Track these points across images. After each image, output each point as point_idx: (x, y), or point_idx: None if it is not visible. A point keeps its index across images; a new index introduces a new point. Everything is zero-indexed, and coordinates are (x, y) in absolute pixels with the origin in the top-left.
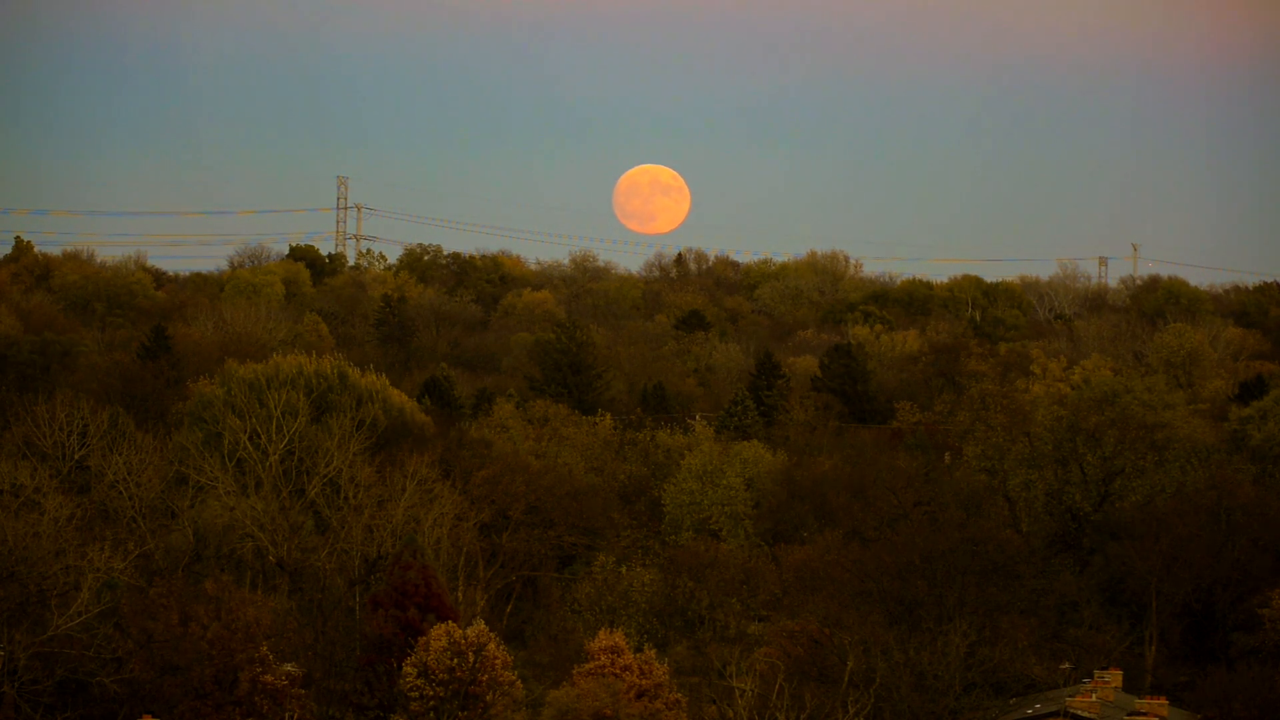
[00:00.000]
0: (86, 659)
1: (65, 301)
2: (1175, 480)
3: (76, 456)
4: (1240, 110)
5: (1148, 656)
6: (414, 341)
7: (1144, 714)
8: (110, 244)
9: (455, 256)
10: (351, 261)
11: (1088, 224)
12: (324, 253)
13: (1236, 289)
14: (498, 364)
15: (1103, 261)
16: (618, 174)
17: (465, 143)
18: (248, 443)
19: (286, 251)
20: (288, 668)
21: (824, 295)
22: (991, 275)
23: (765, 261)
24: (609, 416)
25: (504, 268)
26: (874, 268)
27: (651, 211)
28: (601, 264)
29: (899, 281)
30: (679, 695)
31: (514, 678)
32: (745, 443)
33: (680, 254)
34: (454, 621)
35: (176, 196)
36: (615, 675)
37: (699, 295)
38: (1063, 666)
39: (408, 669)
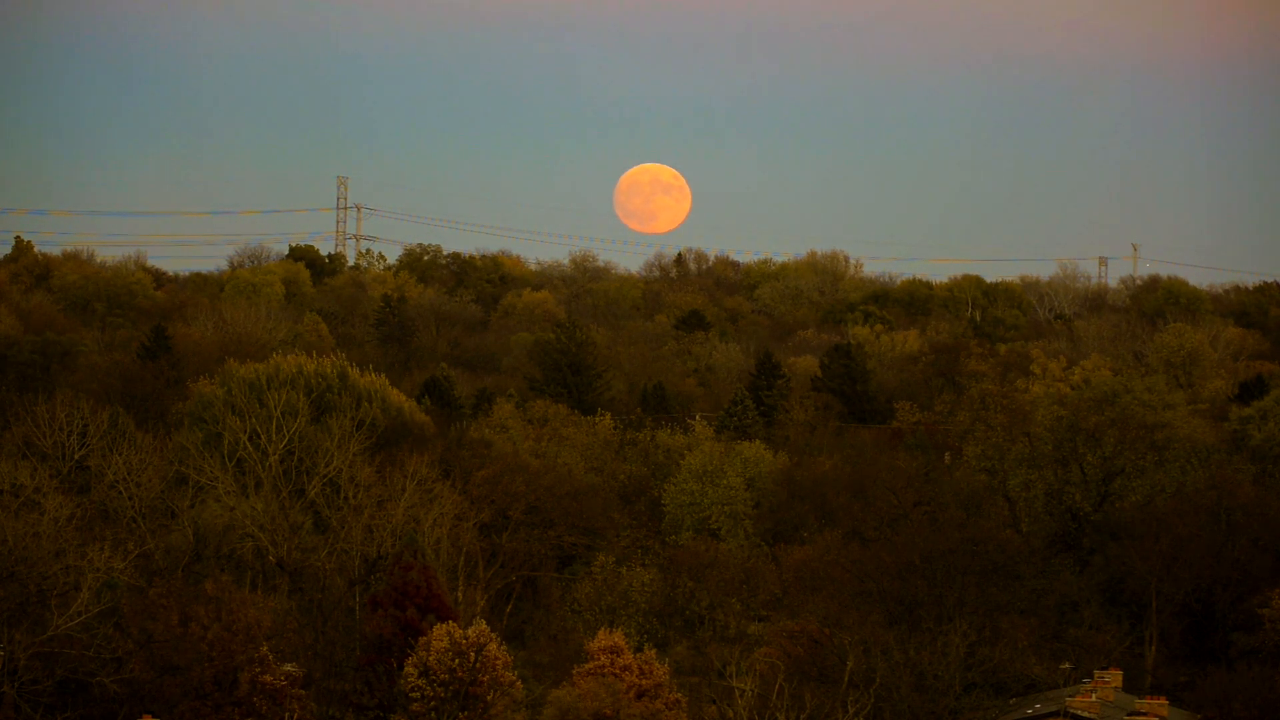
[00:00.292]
0: (86, 659)
1: (65, 301)
2: (1175, 480)
3: (76, 456)
4: (1240, 110)
5: (1148, 656)
6: (414, 341)
7: (1144, 714)
8: (110, 244)
9: (455, 256)
10: (351, 261)
11: (1088, 224)
12: (324, 253)
13: (1236, 289)
14: (498, 364)
15: (1103, 261)
16: (618, 173)
17: (465, 143)
18: (247, 443)
19: (286, 251)
20: (288, 668)
21: (824, 295)
22: (991, 275)
23: (765, 261)
24: (609, 416)
25: (504, 268)
26: (874, 268)
27: (652, 211)
28: (601, 264)
29: (899, 281)
30: (679, 695)
31: (514, 678)
32: (746, 443)
33: (680, 254)
34: (454, 621)
35: (176, 196)
36: (615, 675)
37: (699, 295)
38: (1063, 666)
39: (409, 669)
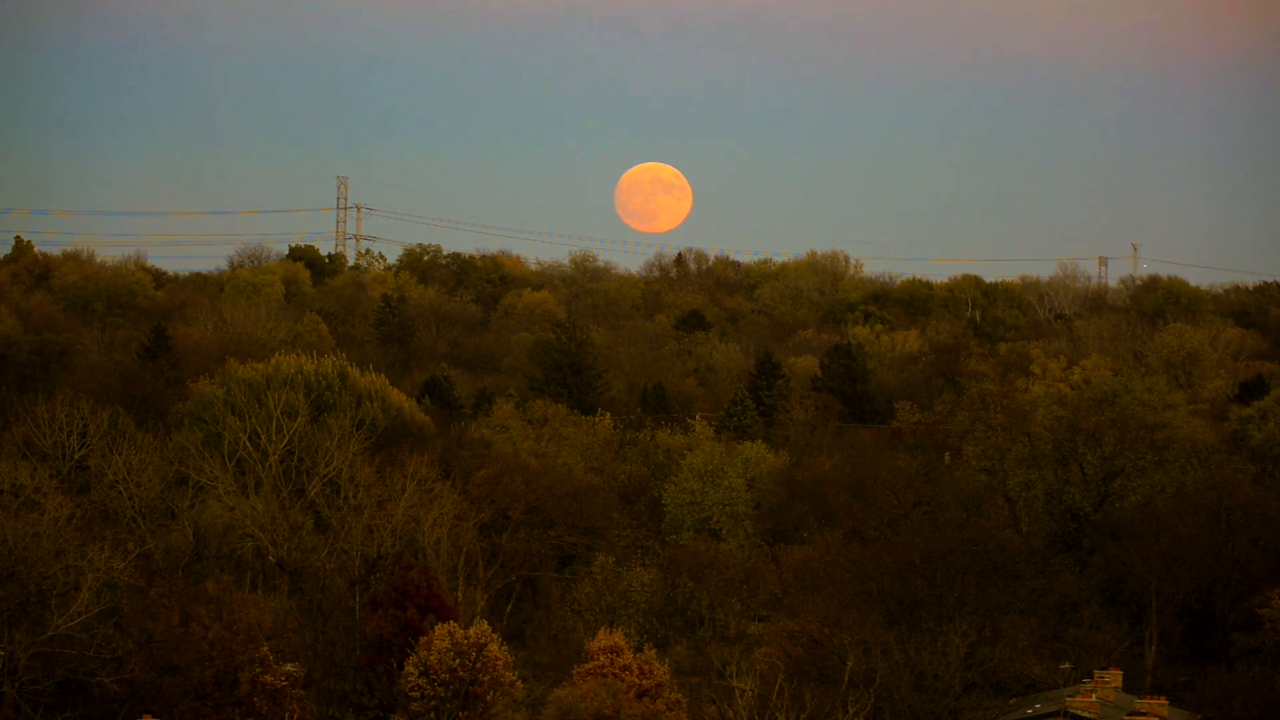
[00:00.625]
0: (86, 659)
1: (65, 301)
2: (1175, 480)
3: (76, 456)
4: (1240, 110)
5: (1148, 656)
6: (414, 341)
7: (1144, 714)
8: (110, 244)
9: (455, 256)
10: (351, 261)
11: (1088, 224)
12: (324, 253)
13: (1236, 289)
14: (498, 364)
15: (1103, 261)
16: (619, 173)
17: (465, 142)
18: (247, 443)
19: (286, 251)
20: (288, 668)
21: (824, 295)
22: (991, 275)
23: (765, 261)
24: (609, 416)
25: (504, 268)
26: (874, 268)
27: (653, 210)
28: (601, 264)
29: (899, 281)
30: (679, 695)
31: (515, 678)
32: (747, 443)
33: (680, 254)
34: (454, 622)
35: (176, 196)
36: (615, 675)
37: (699, 295)
38: (1063, 666)
39: (409, 668)
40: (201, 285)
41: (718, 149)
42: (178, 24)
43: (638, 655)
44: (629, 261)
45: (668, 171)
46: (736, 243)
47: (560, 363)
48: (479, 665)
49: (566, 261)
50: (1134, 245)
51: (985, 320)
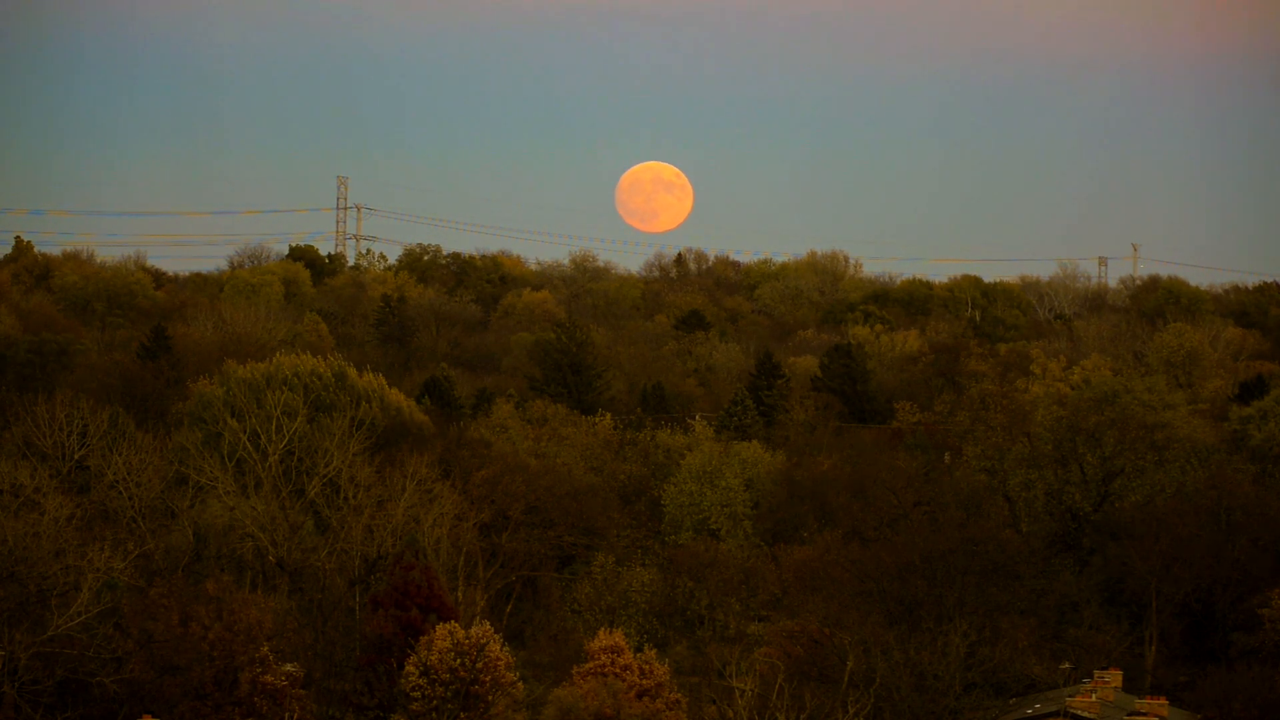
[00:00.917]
0: (86, 659)
1: (65, 301)
2: (1175, 480)
3: (76, 456)
4: (1240, 110)
5: (1148, 656)
6: (414, 341)
7: (1144, 714)
8: (110, 244)
9: (455, 256)
10: (351, 261)
11: (1088, 224)
12: (324, 253)
13: (1236, 289)
14: (498, 364)
15: (1103, 261)
16: (620, 172)
17: (465, 142)
18: (247, 443)
19: (286, 251)
20: (288, 668)
21: (824, 295)
22: (991, 275)
23: (765, 261)
24: (609, 416)
25: (504, 268)
26: (874, 268)
27: (654, 209)
28: (601, 264)
29: (899, 281)
30: (679, 695)
31: (515, 678)
32: (744, 443)
33: (680, 254)
34: (455, 621)
35: (176, 196)
36: (615, 675)
37: (699, 295)
38: (1063, 666)
39: (410, 668)
40: (201, 285)
41: (719, 148)
42: (177, 24)
43: (638, 655)
44: (629, 261)
45: (668, 170)
46: (737, 242)
47: (560, 363)
48: (480, 665)
49: (566, 261)
50: (1134, 245)
51: (985, 320)
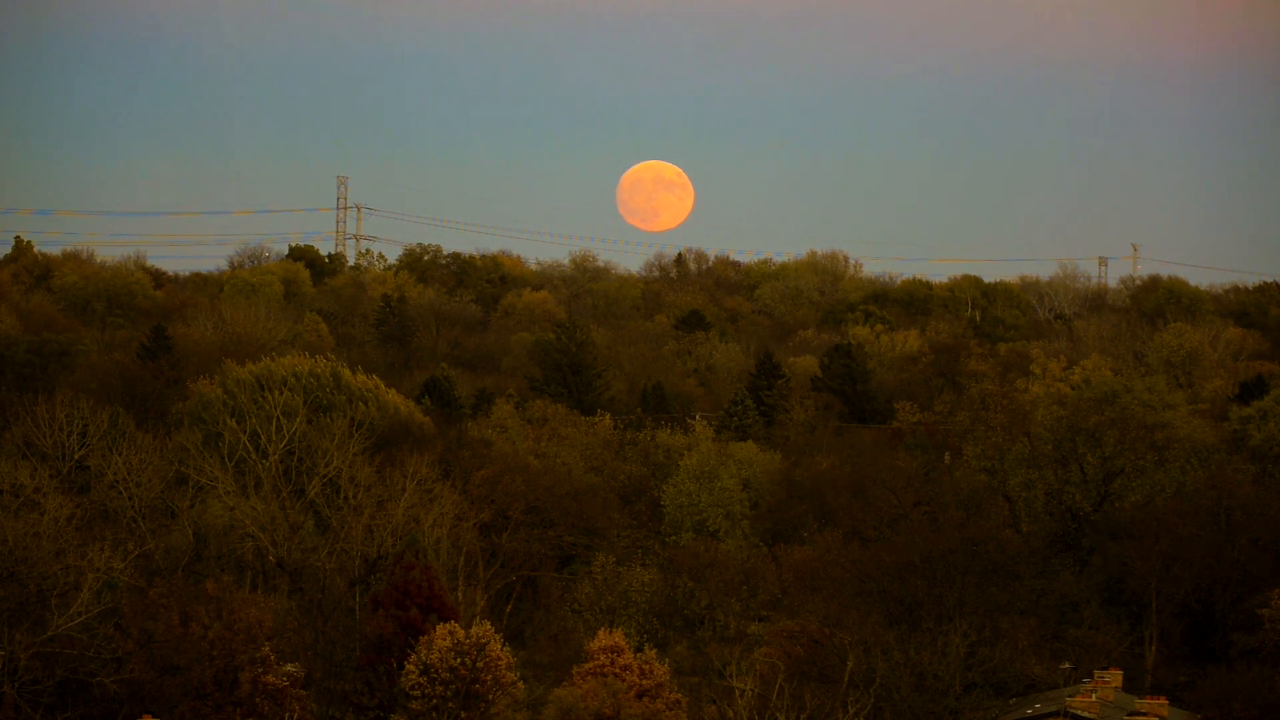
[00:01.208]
0: (86, 659)
1: (65, 301)
2: (1175, 480)
3: (76, 456)
4: (1241, 110)
5: (1148, 656)
6: (414, 341)
7: (1144, 714)
8: (110, 244)
9: (455, 256)
10: (351, 261)
11: (1088, 224)
12: (324, 253)
13: (1236, 289)
14: (498, 364)
15: (1103, 261)
16: (621, 171)
17: (465, 142)
18: (247, 443)
19: (286, 251)
20: (288, 668)
21: (824, 295)
22: (991, 275)
23: (765, 261)
24: (609, 416)
25: (504, 268)
26: (874, 268)
27: (655, 208)
28: (601, 264)
29: (899, 281)
30: (679, 695)
31: (516, 678)
32: (740, 444)
33: (680, 254)
34: (455, 621)
35: (176, 196)
36: (615, 675)
37: (699, 295)
38: (1063, 666)
39: (410, 668)
40: (201, 285)
41: (720, 148)
42: (178, 25)
43: (638, 655)
44: (631, 261)
45: (669, 169)
46: (738, 241)
47: (560, 363)
48: (480, 665)
49: (566, 261)
50: (1134, 245)
51: (985, 320)
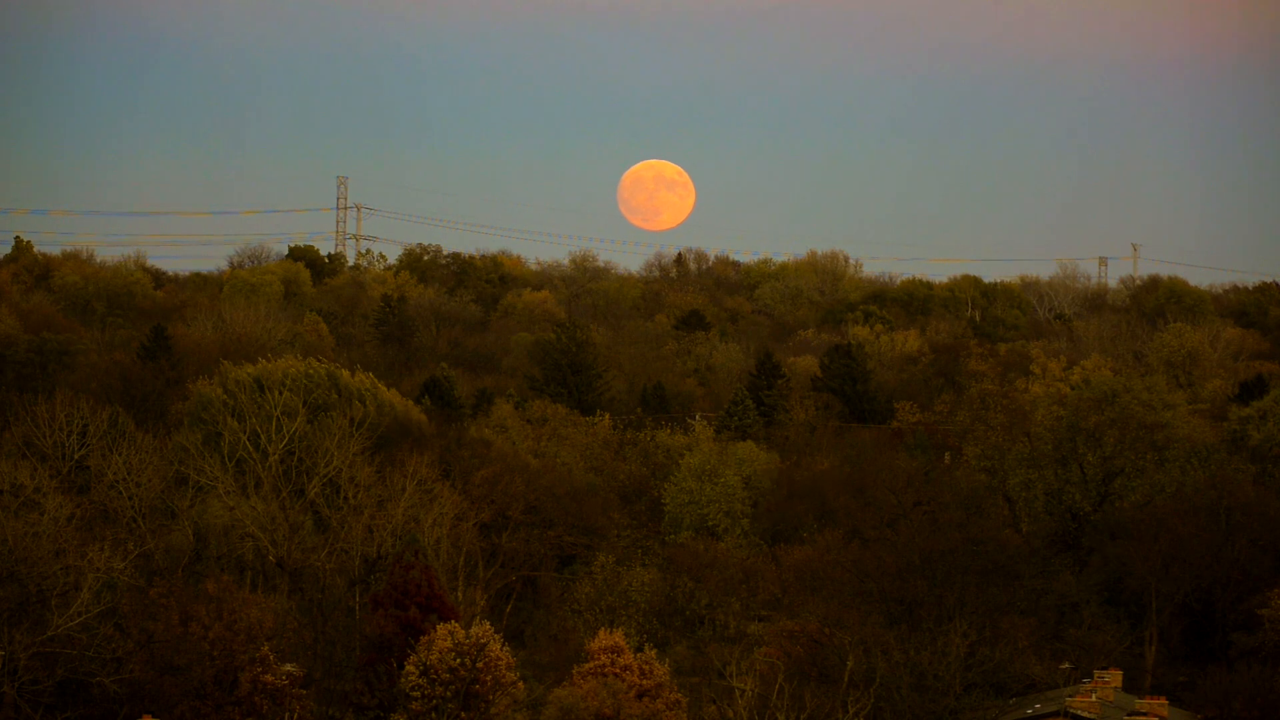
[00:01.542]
0: (86, 659)
1: (65, 301)
2: (1175, 480)
3: (76, 456)
4: (1241, 110)
5: (1148, 656)
6: (414, 341)
7: (1144, 714)
8: (110, 244)
9: (455, 256)
10: (351, 261)
11: (1088, 224)
12: (324, 253)
13: (1236, 289)
14: (498, 364)
15: (1103, 261)
16: (621, 170)
17: (465, 142)
18: (247, 443)
19: (286, 251)
20: (288, 668)
21: (824, 295)
22: (991, 275)
23: (765, 261)
24: (608, 416)
25: (504, 268)
26: (874, 268)
27: (656, 207)
28: (601, 264)
29: (899, 281)
30: (679, 695)
31: (516, 678)
32: (742, 443)
33: (680, 254)
34: (455, 621)
35: (176, 196)
36: (616, 675)
37: (699, 295)
38: (1063, 666)
39: (409, 668)
40: (201, 285)
41: (721, 146)
42: (177, 25)
43: (638, 655)
44: (631, 261)
45: (670, 168)
46: (738, 241)
47: (560, 363)
48: (480, 665)
49: (566, 261)
50: (1134, 245)
51: (985, 320)
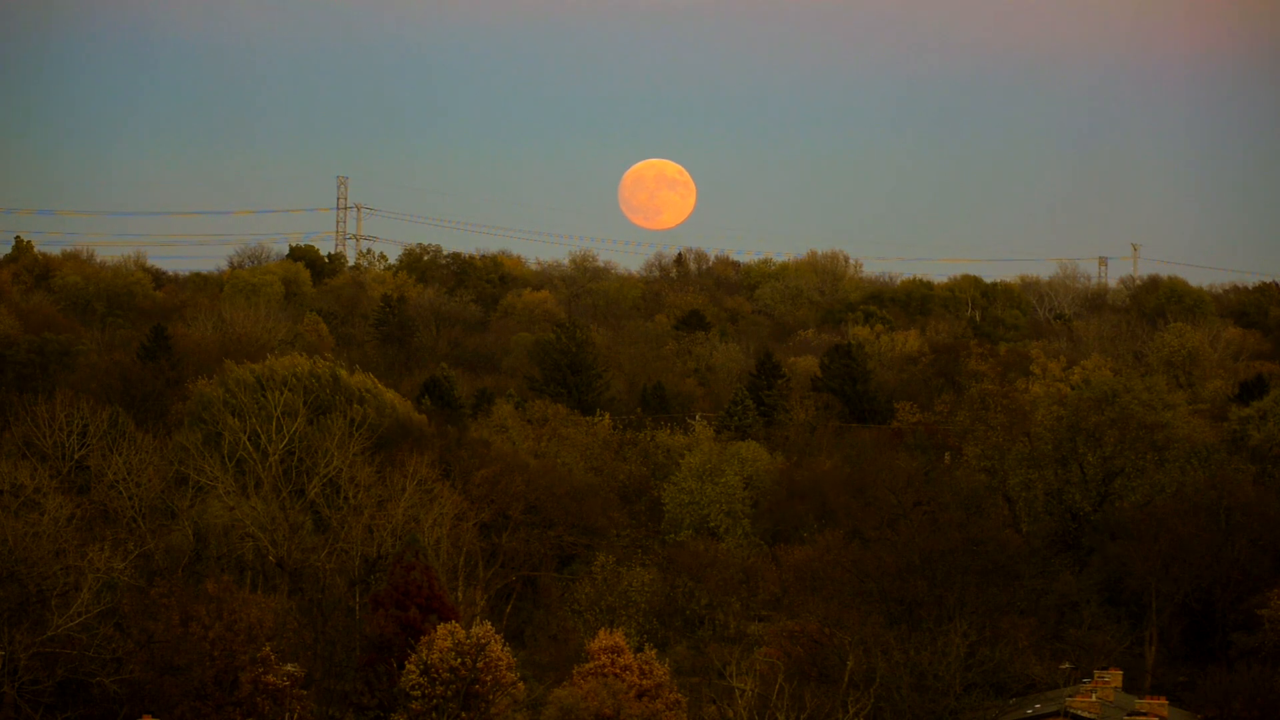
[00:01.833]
0: (86, 659)
1: (65, 301)
2: (1175, 480)
3: (76, 456)
4: (1241, 110)
5: (1148, 656)
6: (414, 341)
7: (1144, 714)
8: (110, 244)
9: (455, 256)
10: (351, 261)
11: (1088, 224)
12: (324, 253)
13: (1236, 289)
14: (498, 364)
15: (1103, 261)
16: (622, 170)
17: (465, 142)
18: (247, 443)
19: (286, 251)
20: (289, 668)
21: (824, 295)
22: (991, 275)
23: (765, 261)
24: (608, 416)
25: (504, 268)
26: (874, 268)
27: (657, 205)
28: (601, 264)
29: (899, 281)
30: (679, 695)
31: (516, 678)
32: (743, 443)
33: (680, 254)
34: (455, 621)
35: (176, 196)
36: (616, 675)
37: (699, 295)
38: (1063, 666)
39: (410, 668)
40: (201, 285)
41: (722, 146)
42: (177, 25)
43: (638, 655)
44: (631, 260)
45: (671, 167)
46: (739, 240)
47: (560, 363)
48: (480, 665)
49: (566, 261)
50: (1134, 245)
51: (985, 320)
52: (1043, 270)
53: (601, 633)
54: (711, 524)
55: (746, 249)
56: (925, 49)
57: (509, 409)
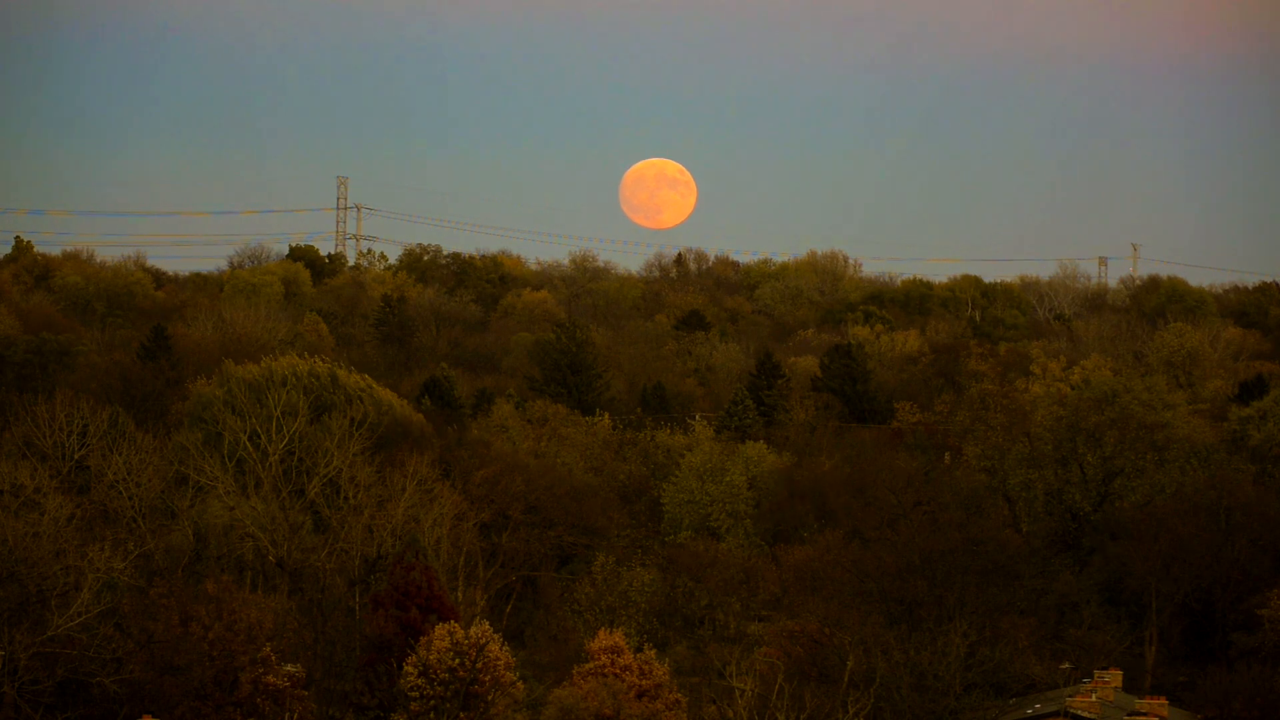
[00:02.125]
0: (86, 659)
1: (65, 301)
2: (1175, 480)
3: (76, 456)
4: (1241, 110)
5: (1148, 656)
6: (414, 341)
7: (1144, 714)
8: (110, 244)
9: (455, 256)
10: (351, 261)
11: (1088, 224)
12: (324, 253)
13: (1236, 289)
14: (498, 364)
15: (1103, 261)
16: (623, 169)
17: (466, 142)
18: (247, 443)
19: (286, 251)
20: (289, 668)
21: (824, 295)
22: (991, 275)
23: (765, 261)
24: (608, 416)
25: (504, 268)
26: (874, 268)
27: (658, 205)
28: (601, 264)
29: (899, 281)
30: (679, 695)
31: (515, 678)
32: (749, 443)
33: (680, 254)
34: (455, 621)
35: (176, 196)
36: (615, 675)
37: (699, 295)
38: (1063, 666)
39: (408, 668)
40: (201, 285)
41: (722, 145)
42: (178, 25)
43: (638, 655)
44: (631, 260)
45: (672, 167)
46: (739, 240)
47: (560, 363)
48: (479, 665)
49: (566, 261)
50: (1134, 245)
51: (985, 320)
52: (1043, 270)
53: (601, 633)
54: (713, 524)
55: (746, 249)
56: (926, 50)
57: (509, 409)
